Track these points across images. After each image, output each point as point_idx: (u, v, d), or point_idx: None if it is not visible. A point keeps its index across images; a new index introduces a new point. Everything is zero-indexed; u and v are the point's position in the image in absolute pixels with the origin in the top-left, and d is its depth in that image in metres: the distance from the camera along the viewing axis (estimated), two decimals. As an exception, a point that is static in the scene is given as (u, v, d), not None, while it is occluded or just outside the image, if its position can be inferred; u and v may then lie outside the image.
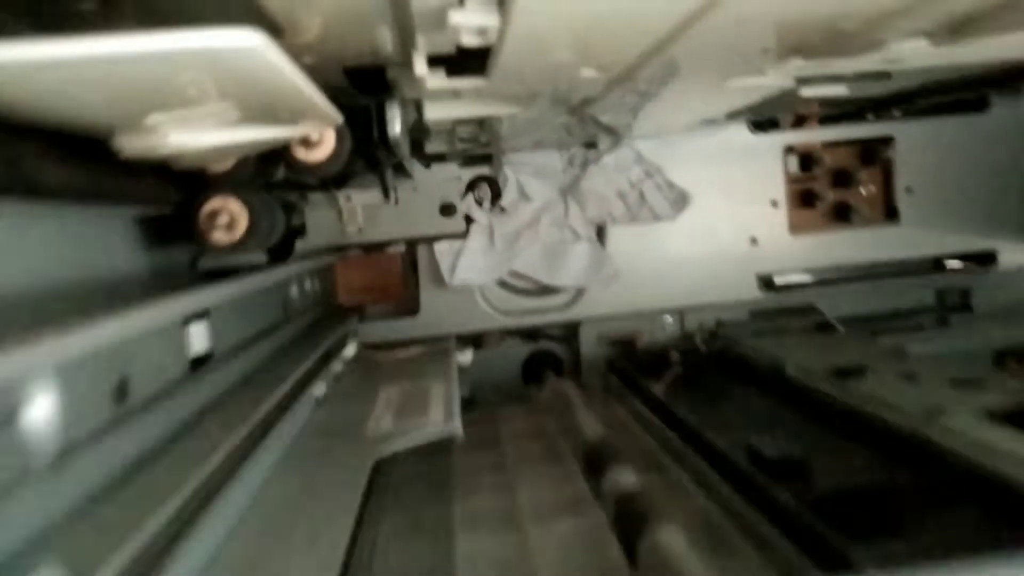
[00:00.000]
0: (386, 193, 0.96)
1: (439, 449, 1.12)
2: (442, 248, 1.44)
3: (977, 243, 1.56)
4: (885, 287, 1.58)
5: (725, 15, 0.58)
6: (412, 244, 1.45)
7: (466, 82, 0.74)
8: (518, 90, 0.83)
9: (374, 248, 1.44)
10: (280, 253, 0.97)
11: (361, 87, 0.84)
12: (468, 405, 1.35)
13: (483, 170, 1.46)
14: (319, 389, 1.04)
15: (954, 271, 1.59)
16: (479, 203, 1.45)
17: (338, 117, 0.67)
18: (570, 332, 1.58)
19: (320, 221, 1.34)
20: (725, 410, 1.22)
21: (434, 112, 0.93)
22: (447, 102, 0.93)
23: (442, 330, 1.47)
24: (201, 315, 0.81)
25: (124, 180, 0.72)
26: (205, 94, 0.49)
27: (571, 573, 0.75)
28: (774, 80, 0.97)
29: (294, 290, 1.22)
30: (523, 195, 1.46)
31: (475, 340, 1.56)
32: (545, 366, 1.59)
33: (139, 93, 0.47)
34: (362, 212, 1.38)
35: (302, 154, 0.77)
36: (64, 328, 0.46)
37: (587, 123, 1.35)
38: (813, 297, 1.57)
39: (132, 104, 0.49)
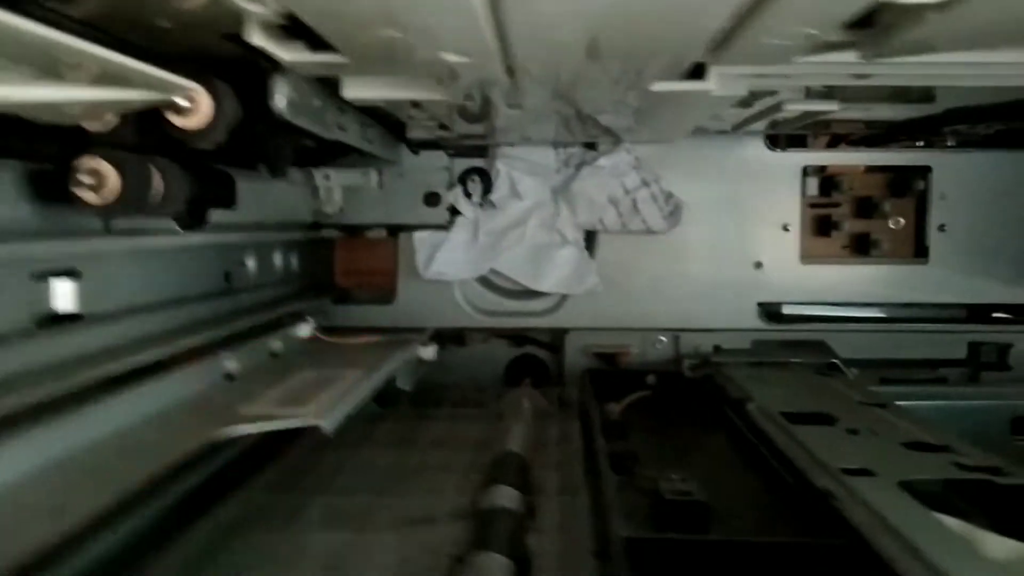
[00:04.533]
0: (273, 173, 0.92)
1: (346, 443, 1.09)
2: (422, 237, 1.40)
3: (1015, 294, 1.39)
4: (909, 332, 1.43)
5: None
6: (393, 231, 1.42)
7: (327, 57, 0.69)
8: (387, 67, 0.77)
9: (355, 231, 1.42)
10: (192, 221, 0.95)
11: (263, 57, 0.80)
12: (402, 399, 1.29)
13: (476, 162, 1.41)
14: (231, 364, 1.02)
15: (988, 323, 1.42)
16: (468, 195, 1.40)
17: (181, 82, 0.64)
18: (558, 339, 1.51)
19: (295, 198, 1.32)
20: (668, 442, 1.13)
21: (354, 91, 0.88)
22: (365, 81, 0.88)
23: (417, 322, 1.43)
24: (65, 272, 0.80)
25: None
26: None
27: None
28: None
29: (250, 263, 1.21)
30: (514, 192, 1.40)
31: (458, 337, 1.52)
32: (529, 372, 1.52)
33: None
34: (341, 193, 1.35)
35: (176, 120, 0.74)
36: None
37: (586, 121, 1.27)
38: (825, 334, 1.43)
39: None
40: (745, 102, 1.03)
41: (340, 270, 1.58)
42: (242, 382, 1.01)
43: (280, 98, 0.78)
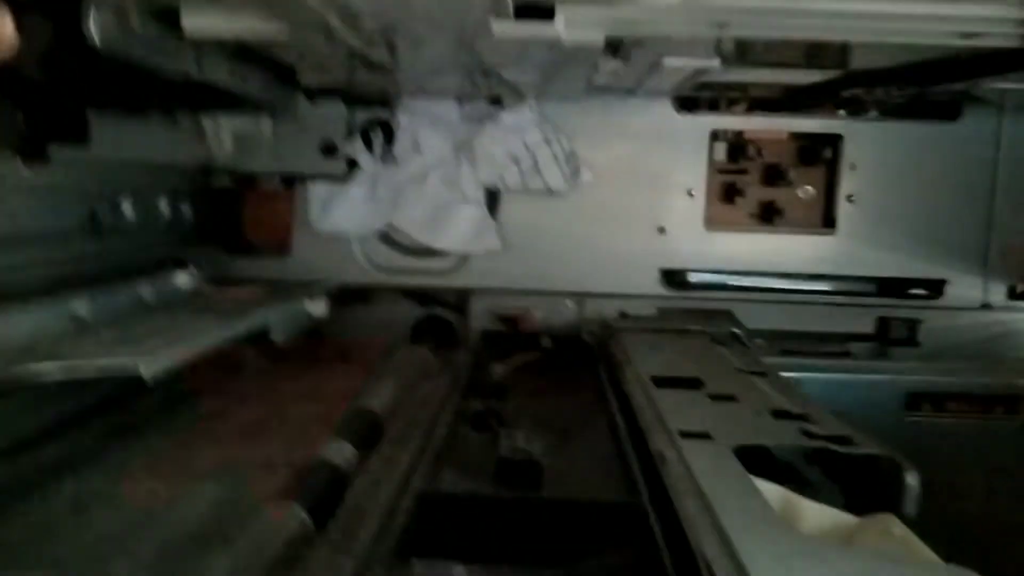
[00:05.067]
0: (99, 111, 0.88)
1: (206, 392, 1.06)
2: (319, 190, 1.36)
3: (922, 268, 1.37)
4: (818, 305, 1.41)
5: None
6: (289, 181, 1.38)
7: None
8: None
9: (248, 180, 1.38)
10: (31, 155, 0.90)
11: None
12: (278, 354, 1.25)
13: (377, 112, 1.37)
14: (81, 308, 0.98)
15: (897, 297, 1.40)
16: (369, 147, 1.36)
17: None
18: (463, 300, 1.48)
19: (181, 142, 1.27)
20: (546, 404, 1.10)
21: (194, 23, 0.84)
22: (207, 13, 0.84)
23: (313, 277, 1.39)
24: None
25: None
26: None
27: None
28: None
29: (126, 206, 1.17)
30: (416, 146, 1.36)
31: (362, 295, 1.48)
32: (435, 332, 1.49)
33: None
34: (231, 139, 1.31)
35: (-24, 45, 0.70)
36: None
37: (490, 76, 1.24)
38: (733, 304, 1.41)
39: None
40: (622, 54, 0.99)
41: (248, 221, 1.54)
42: (92, 327, 0.98)
43: (94, 26, 0.73)
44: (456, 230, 1.36)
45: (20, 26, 0.71)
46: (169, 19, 0.83)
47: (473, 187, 1.36)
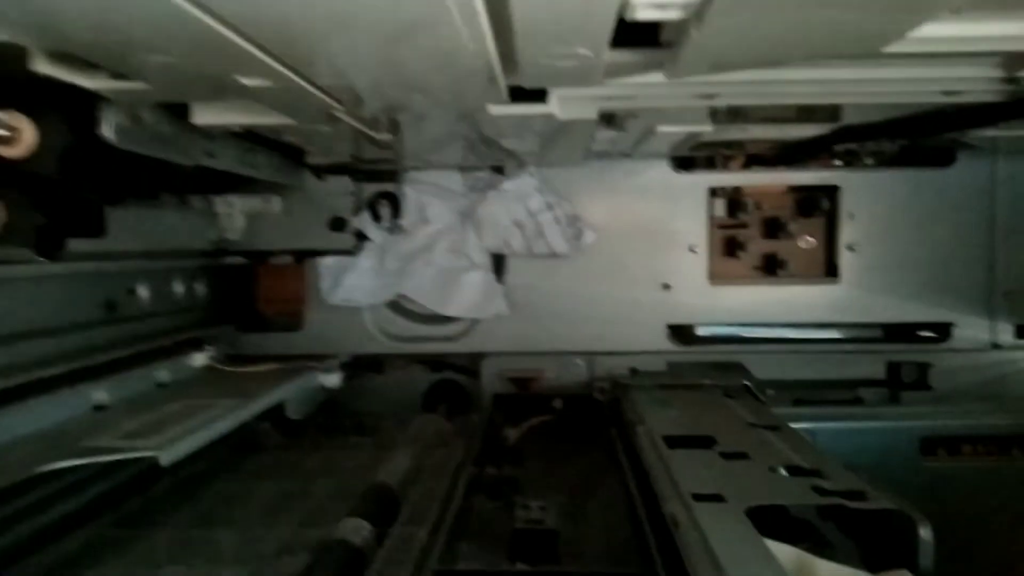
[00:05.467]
0: (112, 203, 0.91)
1: (224, 472, 1.07)
2: (328, 263, 1.39)
3: (928, 313, 1.38)
4: (827, 353, 1.42)
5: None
6: (300, 256, 1.41)
7: (129, 84, 0.68)
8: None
9: (260, 257, 1.41)
10: (48, 250, 0.93)
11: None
12: (295, 428, 1.26)
13: (383, 186, 1.40)
14: (100, 395, 1.00)
15: (905, 342, 1.41)
16: (377, 220, 1.39)
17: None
18: (475, 364, 1.49)
19: (194, 224, 1.31)
20: (562, 467, 1.11)
21: (204, 117, 0.88)
22: (216, 107, 0.87)
23: (326, 349, 1.41)
24: None
25: None
26: None
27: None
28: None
29: (142, 291, 1.19)
30: (422, 216, 1.39)
31: (375, 364, 1.50)
32: (447, 397, 1.51)
33: None
34: (243, 219, 1.34)
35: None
36: None
37: (491, 145, 1.27)
38: (743, 355, 1.42)
39: None
40: (617, 124, 1.02)
41: (262, 297, 1.57)
42: (112, 413, 1.00)
43: (108, 125, 0.77)
44: (464, 296, 1.38)
45: (38, 127, 0.74)
46: (180, 113, 0.87)
47: (479, 253, 1.39)
